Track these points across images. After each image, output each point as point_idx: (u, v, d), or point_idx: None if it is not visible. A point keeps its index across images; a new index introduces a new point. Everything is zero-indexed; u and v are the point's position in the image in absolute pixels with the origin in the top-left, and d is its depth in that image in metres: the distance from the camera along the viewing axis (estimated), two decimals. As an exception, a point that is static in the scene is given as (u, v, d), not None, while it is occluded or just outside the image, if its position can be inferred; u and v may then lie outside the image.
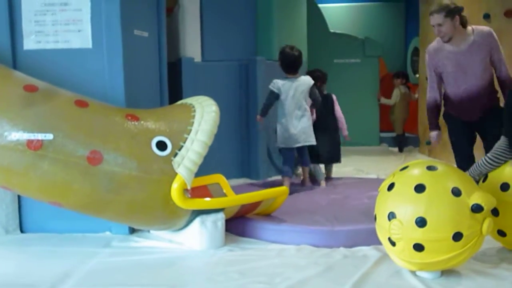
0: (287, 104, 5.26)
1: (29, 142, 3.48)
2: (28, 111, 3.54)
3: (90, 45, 4.19)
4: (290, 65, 5.33)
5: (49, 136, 3.51)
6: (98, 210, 3.72)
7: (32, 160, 3.49)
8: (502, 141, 3.68)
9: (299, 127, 5.26)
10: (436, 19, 4.19)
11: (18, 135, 3.48)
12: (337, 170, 6.56)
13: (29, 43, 4.20)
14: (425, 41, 8.68)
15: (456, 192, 3.04)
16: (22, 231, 4.30)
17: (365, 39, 9.88)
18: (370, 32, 10.77)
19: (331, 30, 9.91)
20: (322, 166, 6.04)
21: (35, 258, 3.72)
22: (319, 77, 6.00)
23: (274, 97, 5.30)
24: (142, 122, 3.78)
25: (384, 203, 3.22)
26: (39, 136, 3.50)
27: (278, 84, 5.28)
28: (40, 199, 3.74)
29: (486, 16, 6.83)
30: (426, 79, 8.43)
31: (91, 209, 3.72)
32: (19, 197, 4.27)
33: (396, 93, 9.40)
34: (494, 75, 4.40)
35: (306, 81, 5.36)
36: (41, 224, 4.28)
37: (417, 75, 9.72)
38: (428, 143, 8.51)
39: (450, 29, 4.20)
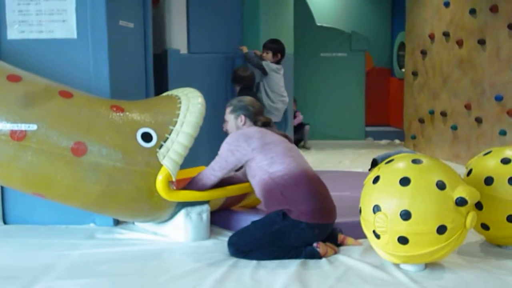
0: None
1: (12, 133, 3.44)
2: (12, 101, 3.50)
3: (74, 35, 4.15)
4: None
5: (33, 127, 3.47)
6: (82, 202, 3.69)
7: (15, 151, 3.45)
8: None
9: None
10: None
11: (1, 125, 3.43)
12: (321, 164, 6.57)
13: (13, 32, 4.15)
14: (411, 36, 8.72)
15: (441, 185, 3.06)
16: (5, 222, 4.26)
17: (352, 33, 9.90)
18: (356, 26, 10.79)
19: (318, 24, 9.92)
20: None
21: (18, 250, 3.69)
22: None
23: None
24: (127, 113, 3.75)
25: (369, 196, 3.23)
26: (23, 127, 3.46)
27: None
28: (23, 190, 3.70)
29: (472, 12, 6.87)
30: (413, 73, 8.51)
31: (75, 201, 3.70)
32: (2, 188, 4.23)
33: None
34: None
35: None
36: (25, 216, 4.24)
37: (403, 70, 9.75)
38: (413, 137, 8.58)
39: None
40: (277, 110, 6.46)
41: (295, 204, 3.46)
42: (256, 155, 3.59)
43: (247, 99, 3.97)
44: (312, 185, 3.55)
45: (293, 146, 3.79)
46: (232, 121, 3.88)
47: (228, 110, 3.92)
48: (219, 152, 3.73)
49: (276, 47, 6.39)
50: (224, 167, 3.69)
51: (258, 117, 3.85)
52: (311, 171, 3.66)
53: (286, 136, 3.82)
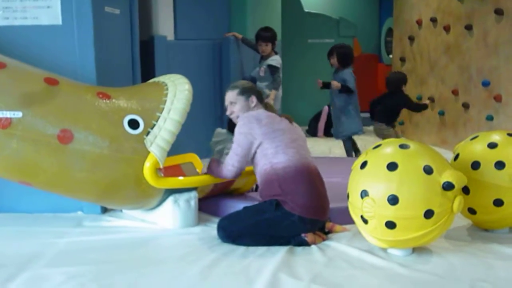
0: None
1: (-3, 120, 3.41)
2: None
3: (59, 22, 4.10)
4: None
5: (18, 114, 3.44)
6: (69, 189, 3.67)
7: (0, 138, 3.42)
8: None
9: None
10: None
11: (-14, 113, 3.41)
12: (311, 151, 6.55)
13: (-3, 19, 4.11)
14: (398, 22, 8.71)
15: (428, 170, 3.07)
16: (-9, 211, 4.24)
17: (340, 19, 9.87)
18: (344, 12, 10.77)
19: (306, 10, 9.88)
20: None
21: (6, 239, 3.67)
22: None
23: None
24: (113, 100, 3.72)
25: (357, 181, 3.24)
26: (8, 114, 3.43)
27: None
28: (9, 178, 3.67)
29: (459, -3, 6.87)
30: (401, 59, 8.51)
31: (62, 188, 3.68)
32: (-12, 176, 4.19)
33: None
34: None
35: None
36: (12, 204, 4.21)
37: (391, 56, 9.76)
38: (401, 123, 8.60)
39: None
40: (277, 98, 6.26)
41: (291, 198, 3.43)
42: (264, 140, 3.52)
43: (249, 82, 3.95)
44: (311, 181, 3.51)
45: (298, 135, 3.69)
46: (242, 102, 3.72)
47: (235, 92, 3.75)
48: (233, 139, 3.62)
49: (274, 34, 5.97)
50: (238, 153, 3.58)
51: (263, 100, 3.81)
52: (312, 165, 3.61)
53: (288, 118, 3.73)
